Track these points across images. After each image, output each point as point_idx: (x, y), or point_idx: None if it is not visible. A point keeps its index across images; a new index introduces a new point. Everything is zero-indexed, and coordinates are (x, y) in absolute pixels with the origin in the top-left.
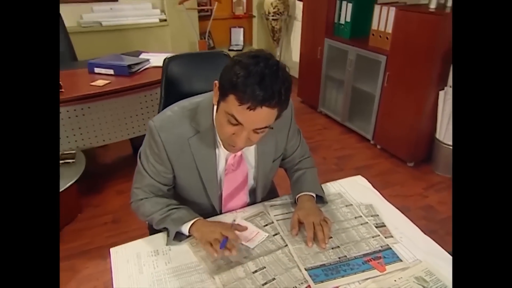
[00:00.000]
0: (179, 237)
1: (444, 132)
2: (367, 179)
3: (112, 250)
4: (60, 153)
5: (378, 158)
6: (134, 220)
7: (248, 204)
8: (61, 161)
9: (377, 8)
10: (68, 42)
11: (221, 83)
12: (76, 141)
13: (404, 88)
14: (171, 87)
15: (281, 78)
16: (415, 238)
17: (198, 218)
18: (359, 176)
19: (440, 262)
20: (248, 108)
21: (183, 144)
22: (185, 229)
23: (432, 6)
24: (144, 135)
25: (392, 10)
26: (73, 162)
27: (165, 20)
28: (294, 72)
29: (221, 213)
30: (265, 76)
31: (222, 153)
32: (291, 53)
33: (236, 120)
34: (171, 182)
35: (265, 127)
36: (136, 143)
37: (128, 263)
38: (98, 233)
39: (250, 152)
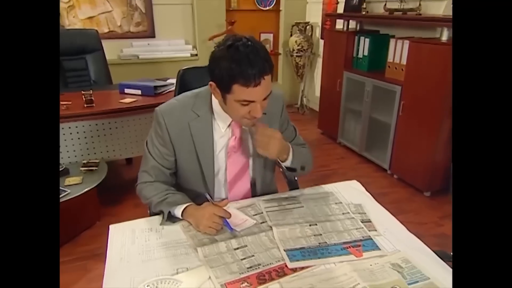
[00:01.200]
0: (172, 219)
1: None
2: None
3: (111, 226)
4: (86, 161)
5: (394, 187)
6: None
7: (250, 194)
8: (85, 168)
9: (392, 42)
10: (107, 71)
11: (217, 81)
12: (101, 152)
13: (419, 117)
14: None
15: (258, 48)
16: (399, 233)
17: (190, 203)
18: (354, 181)
19: (420, 254)
20: (254, 86)
21: (184, 126)
22: (178, 212)
23: (444, 38)
24: None
25: (406, 43)
26: (96, 170)
27: (196, 54)
28: (316, 105)
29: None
30: (249, 55)
31: (219, 138)
32: (314, 88)
33: (248, 101)
34: (173, 165)
35: (270, 92)
36: None
37: (123, 236)
38: None
39: (249, 138)
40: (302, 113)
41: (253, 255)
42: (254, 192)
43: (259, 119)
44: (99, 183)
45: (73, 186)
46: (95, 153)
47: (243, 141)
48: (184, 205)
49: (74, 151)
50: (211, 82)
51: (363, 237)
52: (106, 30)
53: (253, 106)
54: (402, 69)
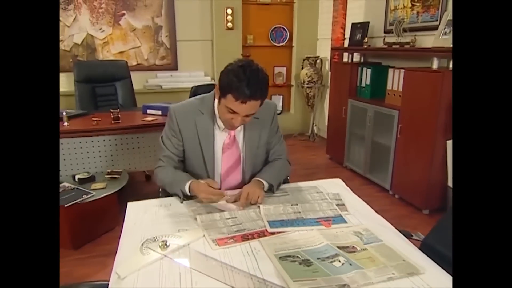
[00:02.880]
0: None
1: None
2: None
3: (129, 203)
4: (110, 170)
5: (394, 205)
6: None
7: (241, 185)
8: (109, 176)
9: (391, 72)
10: (133, 96)
11: (221, 86)
12: (124, 163)
13: (415, 139)
14: None
15: (260, 78)
16: (368, 214)
17: (192, 180)
18: (338, 179)
19: (380, 227)
20: (241, 102)
21: (191, 122)
22: (186, 188)
23: (435, 66)
24: None
25: (402, 72)
26: (118, 178)
27: (214, 85)
28: (325, 133)
29: None
30: (250, 79)
31: (219, 134)
32: (324, 117)
33: (233, 110)
34: (181, 154)
35: (252, 113)
36: None
37: (137, 209)
38: None
39: (241, 138)
40: (313, 141)
41: (240, 223)
42: (244, 182)
43: (251, 122)
44: (120, 188)
45: (98, 190)
46: (118, 164)
47: (236, 140)
48: (188, 182)
49: (101, 161)
50: (216, 84)
51: (334, 215)
52: (134, 63)
53: (235, 117)
54: (399, 95)
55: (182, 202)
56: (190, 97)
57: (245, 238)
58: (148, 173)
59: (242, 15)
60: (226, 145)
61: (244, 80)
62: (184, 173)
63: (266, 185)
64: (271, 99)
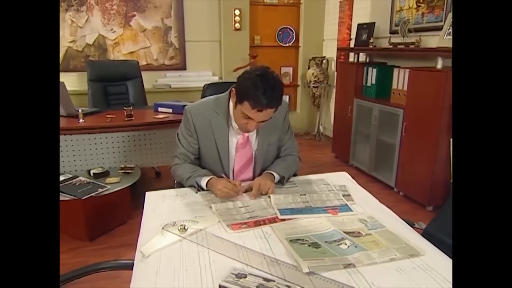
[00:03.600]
0: (199, 188)
1: None
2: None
3: (147, 193)
4: (123, 166)
5: (399, 202)
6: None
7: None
8: (123, 171)
9: (396, 71)
10: (143, 95)
11: (238, 92)
12: (136, 159)
13: (419, 137)
14: None
15: (276, 87)
16: (372, 203)
17: (212, 176)
18: (344, 172)
19: (384, 215)
20: (257, 110)
21: (206, 122)
22: (203, 183)
23: (439, 66)
24: None
25: (407, 71)
26: (131, 172)
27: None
28: (331, 132)
29: None
30: (266, 89)
31: (233, 133)
32: (330, 117)
33: (249, 117)
34: (196, 152)
35: (267, 120)
36: None
37: (155, 198)
38: None
39: (253, 138)
40: (319, 140)
41: (253, 211)
42: (255, 176)
43: (264, 129)
44: (133, 183)
45: (112, 184)
46: (131, 160)
47: (250, 140)
48: (208, 177)
49: (114, 157)
50: (233, 88)
51: (341, 204)
52: (144, 63)
53: (250, 122)
54: (404, 95)
55: (197, 193)
56: (202, 95)
57: (257, 224)
58: (158, 170)
59: (249, 16)
60: (240, 145)
61: (261, 89)
62: (204, 169)
63: (277, 177)
64: None
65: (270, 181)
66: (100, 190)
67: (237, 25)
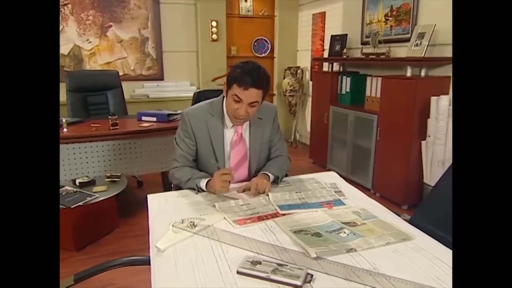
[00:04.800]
0: (200, 189)
1: (429, 176)
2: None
3: (149, 195)
4: (109, 174)
5: None
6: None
7: (248, 179)
8: (109, 180)
9: (369, 80)
10: (124, 105)
11: (227, 80)
12: (121, 168)
13: (393, 141)
14: None
15: (261, 72)
16: (362, 198)
17: (210, 178)
18: (332, 172)
19: (375, 208)
20: (244, 88)
21: (203, 123)
22: (203, 184)
23: (408, 74)
24: None
25: (379, 79)
26: (118, 181)
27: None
28: (307, 140)
29: None
30: (252, 71)
31: (227, 133)
32: (306, 124)
33: (238, 97)
34: (194, 153)
35: (255, 102)
36: (165, 179)
37: (158, 200)
38: (131, 241)
39: (247, 136)
40: (295, 147)
41: (254, 208)
42: (250, 176)
43: (256, 122)
44: (120, 191)
45: (100, 193)
46: (116, 169)
47: (243, 138)
48: (207, 179)
49: (99, 166)
50: (225, 80)
51: (334, 199)
52: (121, 73)
53: (240, 105)
54: (377, 101)
55: (197, 193)
56: (193, 102)
57: (261, 218)
58: (140, 179)
59: (226, 27)
60: (234, 142)
61: (246, 71)
62: (203, 172)
63: (272, 177)
64: None
65: (266, 181)
66: (88, 198)
67: (214, 36)
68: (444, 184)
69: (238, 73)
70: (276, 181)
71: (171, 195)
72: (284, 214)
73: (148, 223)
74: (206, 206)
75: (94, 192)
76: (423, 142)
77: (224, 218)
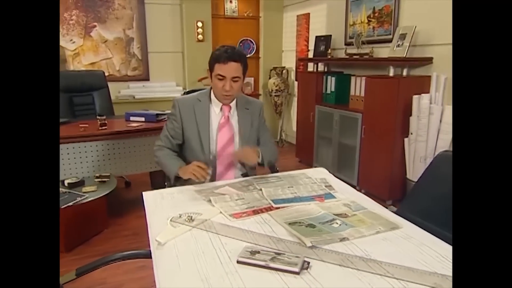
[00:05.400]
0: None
1: (412, 172)
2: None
3: (144, 192)
4: (98, 175)
5: None
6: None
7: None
8: (99, 180)
9: (353, 79)
10: (110, 105)
11: (209, 64)
12: (110, 168)
13: (377, 138)
14: None
15: (237, 49)
16: (351, 192)
17: (180, 165)
18: (322, 168)
19: (364, 200)
20: (223, 63)
21: (190, 108)
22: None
23: (391, 74)
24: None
25: (363, 79)
26: (108, 181)
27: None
28: (293, 139)
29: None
30: (228, 49)
31: (214, 116)
32: (291, 124)
33: (221, 75)
34: (179, 136)
35: (237, 77)
36: (154, 179)
37: (154, 196)
38: (121, 241)
39: (234, 121)
40: (281, 146)
41: (249, 202)
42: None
43: (242, 111)
44: (110, 191)
45: (90, 193)
46: (105, 169)
47: (230, 122)
48: (178, 166)
49: (88, 167)
50: (208, 69)
51: (324, 193)
52: (106, 74)
53: (225, 82)
54: (362, 100)
55: (170, 186)
56: None
57: (256, 212)
58: (128, 180)
59: (211, 27)
60: (221, 125)
61: (223, 50)
62: (178, 160)
63: (260, 154)
64: None
65: (254, 153)
66: (78, 199)
67: (200, 36)
68: (426, 179)
69: (216, 54)
70: (263, 164)
71: (167, 192)
72: (278, 208)
73: (145, 220)
74: (202, 201)
75: (84, 193)
76: (405, 139)
77: (221, 212)
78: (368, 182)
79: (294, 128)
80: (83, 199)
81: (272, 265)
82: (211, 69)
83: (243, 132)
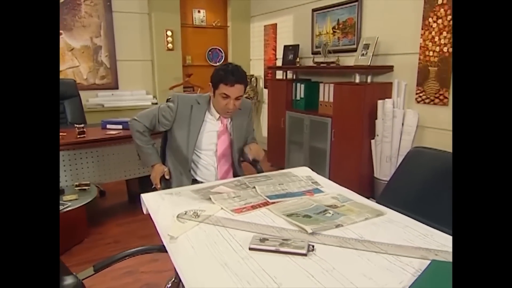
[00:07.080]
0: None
1: (379, 171)
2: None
3: (142, 195)
4: (78, 183)
5: None
6: (133, 239)
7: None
8: (79, 188)
9: (321, 86)
10: (82, 114)
11: (213, 81)
12: (89, 177)
13: (346, 141)
14: None
15: (241, 70)
16: (337, 187)
17: (156, 162)
18: (305, 167)
19: (349, 193)
20: (230, 85)
21: (188, 107)
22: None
23: (357, 80)
24: (139, 178)
25: (332, 86)
26: (88, 189)
27: (156, 103)
28: (263, 145)
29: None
30: (234, 71)
31: (211, 123)
32: (261, 130)
33: (226, 94)
34: (166, 126)
35: (240, 96)
36: (130, 188)
37: (153, 198)
38: (103, 249)
39: (230, 125)
40: None
41: (245, 199)
42: (233, 164)
43: (236, 113)
44: (91, 199)
45: (71, 201)
46: (83, 178)
47: (228, 130)
48: (158, 162)
49: (66, 176)
50: (210, 83)
51: (313, 188)
52: None
53: (228, 101)
54: (330, 106)
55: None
56: None
57: (254, 207)
58: (102, 189)
59: (181, 36)
60: (221, 132)
61: (229, 71)
62: (157, 156)
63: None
64: None
65: (261, 149)
66: (60, 208)
67: (170, 45)
68: (401, 173)
69: (222, 74)
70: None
71: (165, 193)
72: (274, 202)
73: (149, 217)
74: (201, 200)
75: (65, 201)
76: (372, 141)
77: (222, 208)
78: (339, 182)
79: (265, 134)
80: (65, 207)
81: (282, 249)
82: (214, 86)
83: (236, 138)
